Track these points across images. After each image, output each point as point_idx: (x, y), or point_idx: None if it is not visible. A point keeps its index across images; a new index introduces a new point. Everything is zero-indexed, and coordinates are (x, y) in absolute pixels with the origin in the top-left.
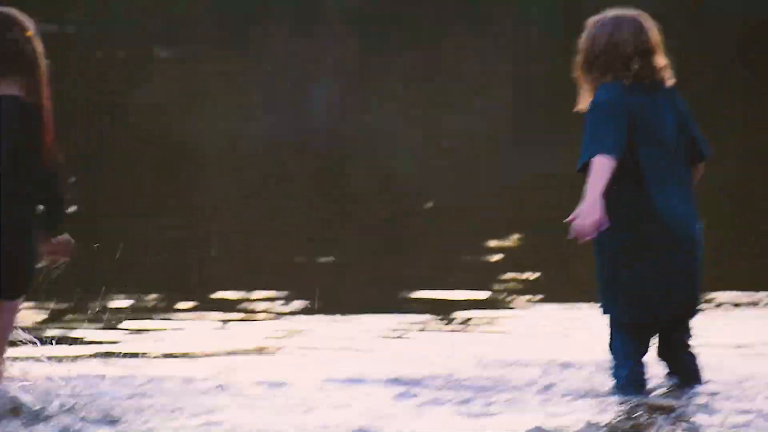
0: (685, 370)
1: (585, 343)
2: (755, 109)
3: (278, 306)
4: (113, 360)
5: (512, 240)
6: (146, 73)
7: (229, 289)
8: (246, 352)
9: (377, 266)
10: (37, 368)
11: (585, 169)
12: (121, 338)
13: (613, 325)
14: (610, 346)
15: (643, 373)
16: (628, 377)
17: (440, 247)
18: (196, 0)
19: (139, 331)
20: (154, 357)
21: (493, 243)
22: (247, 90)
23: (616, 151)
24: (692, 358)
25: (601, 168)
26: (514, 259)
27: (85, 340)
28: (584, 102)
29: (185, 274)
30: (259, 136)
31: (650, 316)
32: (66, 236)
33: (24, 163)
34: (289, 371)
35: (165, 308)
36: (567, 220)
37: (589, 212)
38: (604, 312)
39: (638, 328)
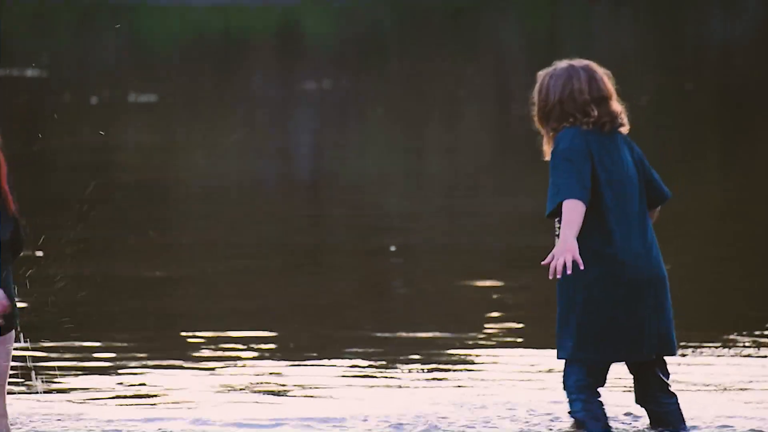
0: (665, 412)
1: (550, 385)
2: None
3: (251, 348)
4: (93, 402)
5: (490, 280)
6: (122, 117)
7: (203, 331)
8: (220, 393)
9: (351, 307)
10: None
11: (554, 214)
12: (101, 381)
13: (567, 362)
14: (564, 383)
15: (600, 405)
16: (583, 410)
17: (416, 287)
18: (172, 44)
19: (115, 370)
20: (126, 398)
21: (468, 283)
22: (226, 130)
23: (585, 195)
24: (672, 398)
25: (573, 211)
26: (490, 300)
27: (64, 383)
28: (549, 151)
29: (158, 317)
30: (238, 177)
31: (605, 355)
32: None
33: None
34: (266, 413)
35: (133, 349)
36: (544, 262)
37: (564, 250)
38: (560, 356)
39: (593, 363)
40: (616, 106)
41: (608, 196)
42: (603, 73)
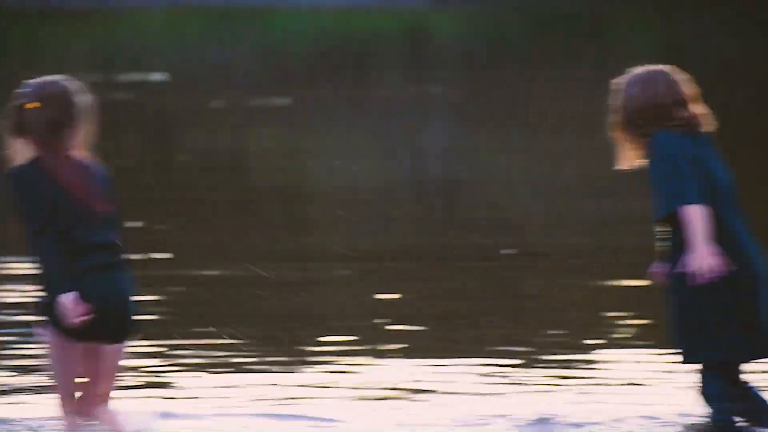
0: (759, 407)
1: (689, 385)
2: None
3: (378, 349)
4: (215, 402)
5: (627, 280)
6: (250, 120)
7: (336, 330)
8: (349, 390)
9: (482, 308)
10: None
11: (666, 219)
12: (229, 379)
13: (705, 368)
14: (704, 393)
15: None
16: (730, 419)
17: (549, 288)
18: (298, 48)
19: (241, 368)
20: (255, 399)
21: (605, 283)
22: (358, 134)
23: (703, 198)
24: (756, 389)
25: (699, 216)
26: (628, 300)
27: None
28: (627, 159)
29: (286, 317)
30: (367, 180)
31: (742, 355)
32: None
33: (63, 218)
34: (392, 414)
35: (258, 345)
36: (676, 271)
37: (703, 258)
38: (686, 360)
39: (729, 367)
40: (700, 108)
41: (717, 197)
42: (682, 77)
